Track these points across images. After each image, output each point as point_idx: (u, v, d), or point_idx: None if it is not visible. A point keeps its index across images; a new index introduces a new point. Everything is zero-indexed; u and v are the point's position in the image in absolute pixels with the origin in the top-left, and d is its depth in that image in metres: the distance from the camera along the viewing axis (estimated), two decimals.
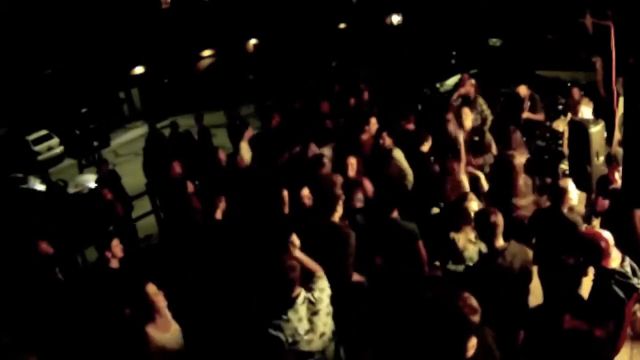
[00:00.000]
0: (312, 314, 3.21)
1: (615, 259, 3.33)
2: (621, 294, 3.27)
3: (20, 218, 7.56)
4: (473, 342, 2.45)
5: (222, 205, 5.05)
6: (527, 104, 7.04)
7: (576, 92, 7.07)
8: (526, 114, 6.95)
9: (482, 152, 5.93)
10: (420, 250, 4.36)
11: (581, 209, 5.42)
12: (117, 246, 4.53)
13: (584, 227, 4.61)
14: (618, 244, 3.44)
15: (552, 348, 3.42)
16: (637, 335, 3.97)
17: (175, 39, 21.88)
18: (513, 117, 6.92)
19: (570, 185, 4.16)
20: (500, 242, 3.65)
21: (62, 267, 5.58)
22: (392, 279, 4.31)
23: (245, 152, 6.72)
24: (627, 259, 3.39)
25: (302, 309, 3.17)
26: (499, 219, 3.62)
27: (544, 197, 6.20)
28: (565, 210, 4.13)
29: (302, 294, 3.20)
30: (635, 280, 3.32)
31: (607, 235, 3.35)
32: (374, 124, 6.27)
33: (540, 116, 6.97)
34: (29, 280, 5.00)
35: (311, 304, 3.21)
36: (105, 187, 7.42)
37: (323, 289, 3.31)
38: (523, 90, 7.12)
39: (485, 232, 3.66)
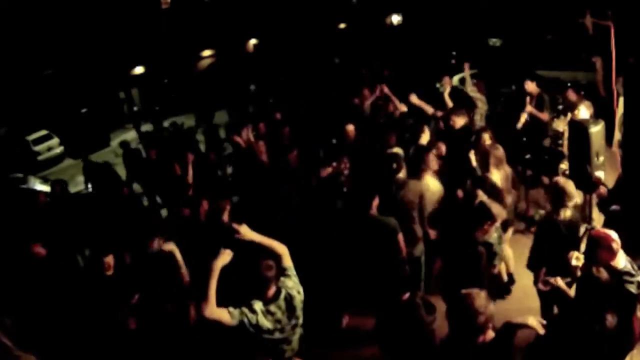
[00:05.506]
0: (292, 308, 3.24)
1: (620, 259, 3.32)
2: (634, 291, 3.27)
3: (20, 218, 7.52)
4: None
5: (229, 208, 4.92)
6: (533, 101, 6.96)
7: (572, 93, 7.03)
8: (529, 108, 6.87)
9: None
10: (399, 244, 4.61)
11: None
12: (109, 260, 4.31)
13: (583, 227, 4.62)
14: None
15: (567, 352, 3.38)
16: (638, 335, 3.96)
17: (175, 39, 21.87)
18: (512, 113, 7.02)
19: (571, 185, 4.10)
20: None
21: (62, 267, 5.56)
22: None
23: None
24: (625, 256, 3.39)
25: (282, 304, 3.21)
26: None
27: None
28: (568, 212, 4.06)
29: (282, 291, 3.22)
30: (639, 277, 3.32)
31: (615, 235, 3.32)
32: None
33: (544, 115, 6.90)
34: (26, 280, 4.99)
35: (290, 297, 3.25)
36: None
37: (294, 280, 3.32)
38: (531, 86, 7.02)
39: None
